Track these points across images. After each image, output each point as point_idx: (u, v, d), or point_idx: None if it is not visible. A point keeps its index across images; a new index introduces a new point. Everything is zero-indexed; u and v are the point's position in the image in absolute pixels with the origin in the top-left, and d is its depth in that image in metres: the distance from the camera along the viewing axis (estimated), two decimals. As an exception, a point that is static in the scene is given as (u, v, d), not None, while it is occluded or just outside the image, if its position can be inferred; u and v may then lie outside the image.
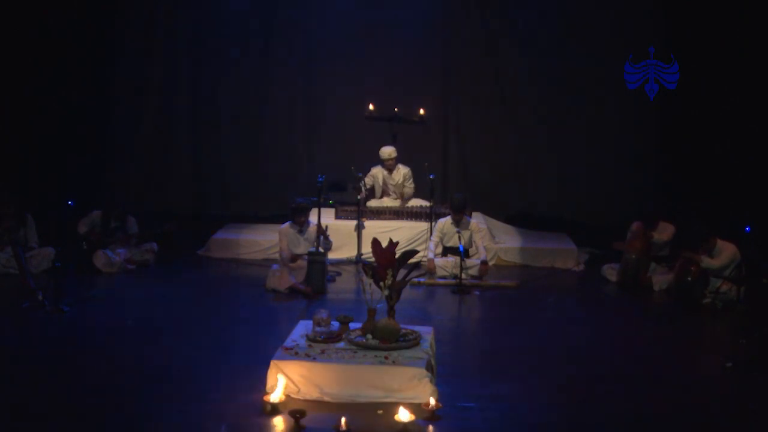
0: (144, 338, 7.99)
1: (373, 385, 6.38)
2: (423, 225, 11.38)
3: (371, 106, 12.34)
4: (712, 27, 12.25)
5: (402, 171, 11.83)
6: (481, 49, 13.67)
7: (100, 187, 13.13)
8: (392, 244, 6.85)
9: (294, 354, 6.58)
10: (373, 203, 11.74)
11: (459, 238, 10.34)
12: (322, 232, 10.05)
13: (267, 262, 10.89)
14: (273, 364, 6.46)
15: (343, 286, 10.23)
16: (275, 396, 6.21)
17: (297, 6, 13.78)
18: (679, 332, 8.65)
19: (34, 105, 12.83)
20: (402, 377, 6.37)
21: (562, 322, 9.00)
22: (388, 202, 11.81)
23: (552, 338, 8.33)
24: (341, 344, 6.77)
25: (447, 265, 10.43)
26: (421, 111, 12.37)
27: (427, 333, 7.09)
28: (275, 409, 6.17)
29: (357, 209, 11.45)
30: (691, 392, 6.86)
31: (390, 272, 6.73)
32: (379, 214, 11.59)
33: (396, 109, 12.27)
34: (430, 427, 6.04)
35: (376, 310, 6.89)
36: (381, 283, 6.79)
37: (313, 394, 6.39)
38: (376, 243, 6.88)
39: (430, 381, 6.40)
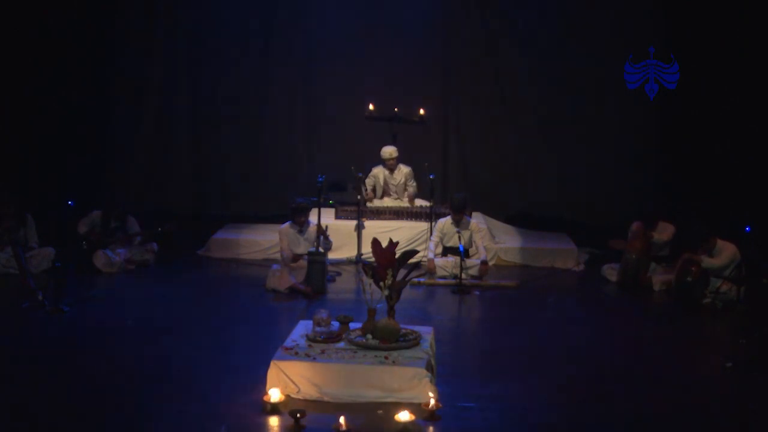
0: (144, 338, 7.99)
1: (373, 385, 6.39)
2: (423, 225, 11.38)
3: (371, 106, 12.35)
4: (712, 27, 12.25)
5: (403, 171, 11.83)
6: (481, 49, 13.66)
7: (100, 187, 13.13)
8: (392, 244, 6.85)
9: (294, 354, 6.59)
10: (373, 203, 11.75)
11: (459, 238, 10.34)
12: (322, 232, 10.05)
13: (267, 262, 10.89)
14: (273, 364, 6.46)
15: (343, 286, 10.23)
16: (275, 396, 6.22)
17: (297, 6, 13.78)
18: (679, 332, 8.65)
19: (34, 105, 12.83)
20: (402, 377, 6.38)
21: (562, 322, 9.00)
22: (388, 202, 11.81)
23: (552, 338, 8.33)
24: (341, 344, 6.77)
25: (447, 265, 10.43)
26: (421, 111, 12.38)
27: (427, 333, 7.09)
28: (275, 409, 6.17)
29: (357, 209, 11.45)
30: (691, 392, 6.86)
31: (390, 272, 6.74)
32: (379, 214, 11.59)
33: (396, 109, 12.28)
34: (430, 427, 6.05)
35: (376, 310, 6.90)
36: (381, 283, 6.79)
37: (312, 394, 6.40)
38: (376, 243, 6.88)
39: (430, 381, 6.40)
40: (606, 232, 11.38)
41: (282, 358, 6.52)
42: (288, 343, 6.81)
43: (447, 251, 10.66)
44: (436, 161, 13.07)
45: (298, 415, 5.95)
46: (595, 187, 13.52)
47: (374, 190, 11.90)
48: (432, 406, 6.15)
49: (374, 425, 6.03)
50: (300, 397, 6.38)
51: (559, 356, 7.74)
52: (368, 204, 11.69)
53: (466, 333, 8.82)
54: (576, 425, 6.26)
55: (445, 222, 10.71)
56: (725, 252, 9.38)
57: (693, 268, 9.40)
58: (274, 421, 6.09)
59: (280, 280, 9.69)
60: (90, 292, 9.53)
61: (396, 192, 11.89)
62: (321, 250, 9.89)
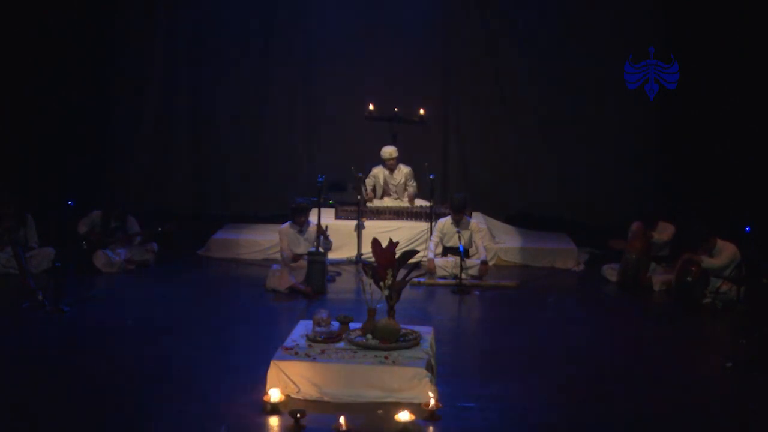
0: (144, 338, 7.99)
1: (373, 385, 6.39)
2: (423, 225, 11.38)
3: (371, 106, 12.35)
4: (712, 27, 12.25)
5: (403, 170, 11.83)
6: (481, 49, 13.66)
7: (100, 187, 13.13)
8: (392, 244, 6.85)
9: (294, 354, 6.59)
10: (373, 203, 11.75)
11: (459, 238, 10.34)
12: (322, 232, 10.05)
13: (267, 262, 10.89)
14: (273, 364, 6.46)
15: (343, 286, 10.23)
16: (275, 396, 6.21)
17: (297, 6, 13.77)
18: (679, 332, 8.65)
19: (34, 105, 12.83)
20: (402, 377, 6.38)
21: (562, 322, 9.00)
22: (388, 202, 11.81)
23: (552, 338, 8.33)
24: (341, 344, 6.77)
25: (447, 265, 10.43)
26: (421, 111, 12.38)
27: (427, 333, 7.09)
28: (275, 409, 6.17)
29: (357, 209, 11.45)
30: (691, 392, 6.86)
31: (390, 272, 6.74)
32: (379, 214, 11.59)
33: (396, 109, 12.28)
34: (430, 427, 6.05)
35: (376, 310, 6.90)
36: (381, 283, 6.79)
37: (312, 394, 6.40)
38: (376, 243, 6.88)
39: (430, 381, 6.40)
40: (606, 232, 11.39)
41: (282, 358, 6.52)
42: (288, 343, 6.81)
43: (447, 251, 10.66)
44: (436, 161, 13.07)
45: (298, 415, 5.95)
46: (595, 187, 13.52)
47: (374, 190, 11.90)
48: (432, 406, 6.15)
49: (374, 425, 6.03)
50: (300, 397, 6.38)
51: (559, 356, 7.74)
52: (368, 204, 11.69)
53: (466, 333, 8.82)
54: (576, 425, 6.26)
55: (445, 222, 10.71)
56: (725, 252, 9.38)
57: (693, 268, 9.40)
58: (274, 421, 6.09)
59: (280, 280, 9.69)
60: (90, 292, 9.53)
61: (396, 192, 11.89)
62: (321, 250, 9.89)
